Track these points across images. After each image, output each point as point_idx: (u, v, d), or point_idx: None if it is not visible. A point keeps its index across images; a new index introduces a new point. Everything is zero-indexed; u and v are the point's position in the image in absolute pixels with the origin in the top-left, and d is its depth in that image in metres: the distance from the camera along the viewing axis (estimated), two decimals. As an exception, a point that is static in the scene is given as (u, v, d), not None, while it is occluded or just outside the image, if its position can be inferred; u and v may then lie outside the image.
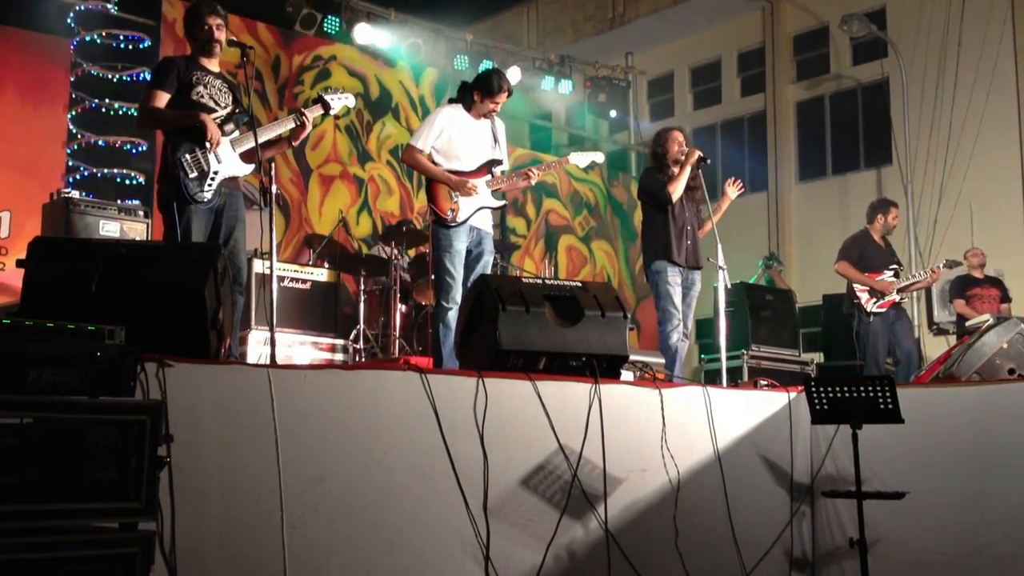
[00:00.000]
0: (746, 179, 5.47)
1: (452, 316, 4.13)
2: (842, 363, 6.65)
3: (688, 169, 4.85)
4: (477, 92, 4.33)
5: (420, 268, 6.37)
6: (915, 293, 7.65)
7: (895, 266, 6.14)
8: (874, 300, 5.96)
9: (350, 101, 4.10)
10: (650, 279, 4.98)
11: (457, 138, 4.34)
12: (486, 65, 9.07)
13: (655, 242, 4.89)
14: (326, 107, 3.93)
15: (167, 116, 3.67)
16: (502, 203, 4.47)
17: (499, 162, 4.41)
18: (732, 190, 5.07)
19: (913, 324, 7.08)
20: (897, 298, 6.02)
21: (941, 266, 6.26)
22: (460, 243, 4.24)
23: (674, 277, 4.81)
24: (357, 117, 8.36)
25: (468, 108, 4.37)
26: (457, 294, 4.17)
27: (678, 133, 5.04)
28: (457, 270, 4.22)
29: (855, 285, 6.03)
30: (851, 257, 6.09)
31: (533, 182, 4.50)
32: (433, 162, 4.34)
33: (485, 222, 4.38)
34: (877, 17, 10.23)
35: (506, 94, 4.34)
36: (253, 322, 5.29)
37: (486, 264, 4.35)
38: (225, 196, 3.67)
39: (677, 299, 4.79)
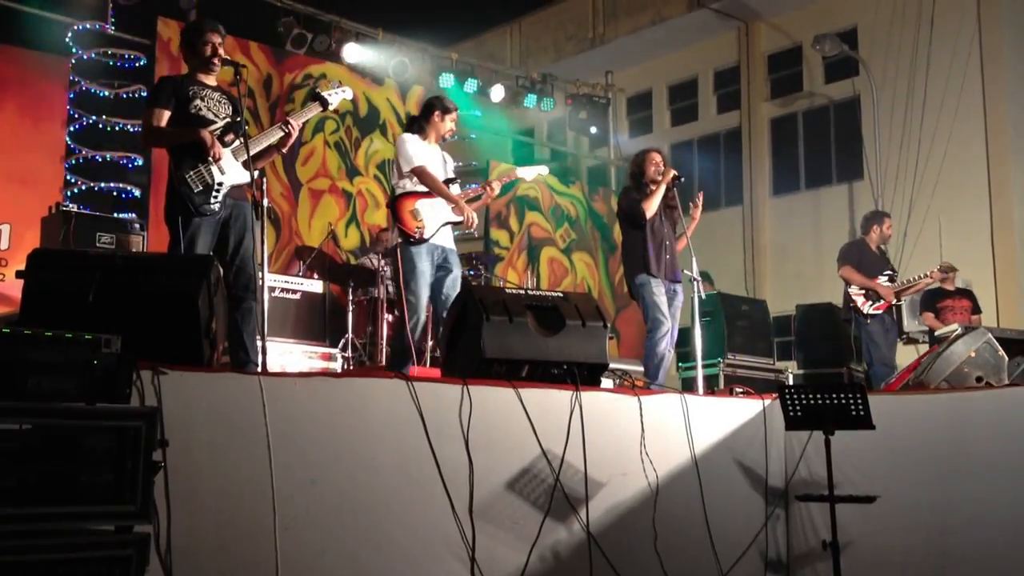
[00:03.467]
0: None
1: (417, 328, 4.26)
2: (825, 371, 6.73)
3: (663, 188, 5.01)
4: (437, 112, 4.54)
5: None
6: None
7: (890, 272, 6.30)
8: (870, 303, 6.10)
9: (348, 94, 3.97)
10: (635, 294, 5.07)
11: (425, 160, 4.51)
12: (471, 83, 9.26)
13: (635, 258, 5.01)
14: (324, 104, 3.86)
15: (169, 134, 3.67)
16: (461, 218, 4.53)
17: (454, 180, 4.62)
18: (696, 209, 5.21)
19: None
20: (894, 301, 6.18)
21: (938, 269, 6.40)
22: (424, 263, 4.35)
23: (658, 287, 4.94)
24: (346, 134, 8.47)
25: (424, 135, 4.56)
26: (421, 312, 4.29)
27: (655, 154, 5.19)
28: (422, 289, 4.33)
29: (851, 289, 6.15)
30: (852, 261, 6.21)
31: (495, 194, 4.69)
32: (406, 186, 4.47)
33: (448, 239, 4.51)
34: (848, 37, 10.46)
35: (456, 110, 4.63)
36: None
37: (455, 279, 4.44)
38: (231, 207, 3.66)
39: (664, 308, 4.91)
